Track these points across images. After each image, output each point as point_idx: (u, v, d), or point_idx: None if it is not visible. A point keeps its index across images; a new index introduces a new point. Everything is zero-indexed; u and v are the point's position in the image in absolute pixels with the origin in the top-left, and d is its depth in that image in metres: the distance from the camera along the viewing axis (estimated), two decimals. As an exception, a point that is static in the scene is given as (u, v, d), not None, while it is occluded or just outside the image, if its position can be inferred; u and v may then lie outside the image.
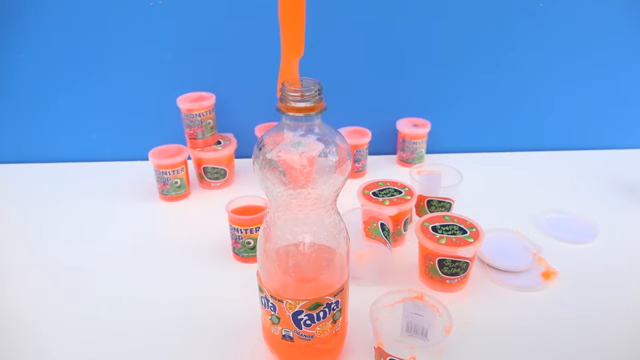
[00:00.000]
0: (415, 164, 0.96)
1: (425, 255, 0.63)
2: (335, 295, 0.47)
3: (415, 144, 0.96)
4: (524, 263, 0.68)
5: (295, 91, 0.41)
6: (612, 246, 0.73)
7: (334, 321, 0.48)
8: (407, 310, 0.53)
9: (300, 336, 0.48)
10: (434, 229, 0.63)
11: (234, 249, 0.70)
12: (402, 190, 0.72)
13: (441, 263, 0.61)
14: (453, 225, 0.64)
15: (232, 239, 0.69)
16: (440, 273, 0.62)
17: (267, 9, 0.88)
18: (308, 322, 0.47)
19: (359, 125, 0.96)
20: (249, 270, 0.68)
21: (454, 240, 0.61)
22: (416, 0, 0.90)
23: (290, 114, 0.41)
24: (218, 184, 0.90)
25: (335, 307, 0.47)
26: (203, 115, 0.86)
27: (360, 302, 0.55)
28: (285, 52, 0.43)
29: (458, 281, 0.63)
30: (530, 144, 1.04)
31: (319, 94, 0.41)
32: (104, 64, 0.92)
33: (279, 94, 0.42)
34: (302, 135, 0.42)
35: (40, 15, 0.88)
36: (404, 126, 0.96)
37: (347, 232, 0.48)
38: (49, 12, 0.87)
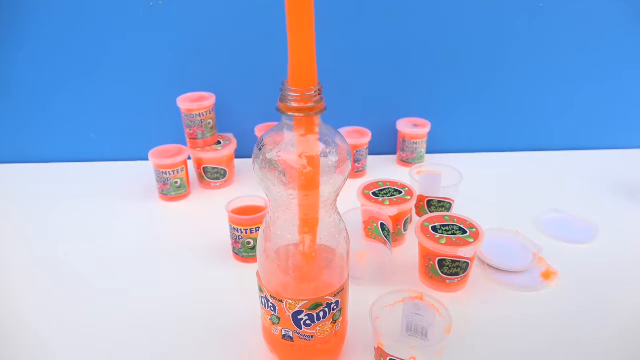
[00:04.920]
0: (415, 164, 0.96)
1: (425, 255, 0.63)
2: (335, 295, 0.47)
3: (415, 144, 0.96)
4: (524, 263, 0.68)
5: (295, 91, 0.41)
6: (612, 246, 0.73)
7: (334, 321, 0.48)
8: (407, 310, 0.53)
9: (300, 336, 0.48)
10: (434, 229, 0.63)
11: (234, 249, 0.70)
12: (402, 190, 0.72)
13: (441, 263, 0.61)
14: (453, 225, 0.64)
15: (232, 239, 0.69)
16: (440, 273, 0.62)
17: (267, 9, 0.88)
18: (308, 322, 0.47)
19: (359, 125, 0.96)
20: (249, 270, 0.68)
21: (454, 240, 0.61)
22: (416, 0, 0.90)
23: (290, 114, 0.41)
24: (218, 184, 0.90)
25: (335, 307, 0.47)
26: (203, 115, 0.86)
27: (360, 302, 0.55)
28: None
29: (458, 281, 0.63)
30: (530, 144, 1.04)
31: (319, 94, 0.41)
32: (103, 64, 0.92)
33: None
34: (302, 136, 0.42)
35: (40, 15, 0.88)
36: (404, 126, 0.96)
37: (347, 232, 0.48)
38: (48, 12, 0.87)
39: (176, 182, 0.85)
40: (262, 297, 0.48)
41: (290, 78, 0.40)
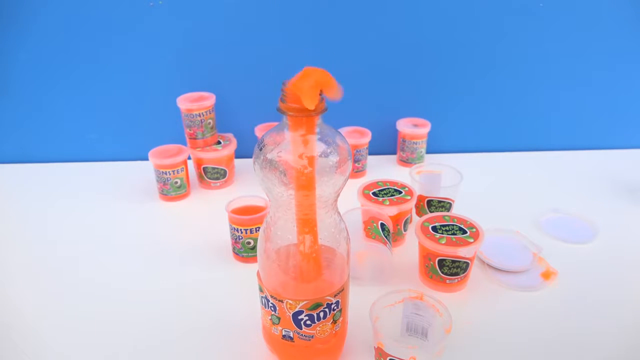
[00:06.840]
0: (415, 164, 0.96)
1: (425, 255, 0.63)
2: (335, 296, 0.47)
3: (415, 144, 0.96)
4: (524, 263, 0.68)
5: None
6: (612, 246, 0.73)
7: (334, 321, 0.48)
8: (407, 310, 0.53)
9: (301, 336, 0.48)
10: (434, 229, 0.63)
11: (234, 249, 0.70)
12: (402, 190, 0.72)
13: (441, 263, 0.61)
14: (453, 225, 0.64)
15: (232, 239, 0.69)
16: (440, 273, 0.62)
17: (267, 9, 0.89)
18: (308, 322, 0.47)
19: (359, 125, 0.96)
20: (249, 270, 0.68)
21: (454, 240, 0.61)
22: (416, 0, 0.90)
23: (291, 114, 0.41)
24: (218, 184, 0.90)
25: (335, 307, 0.47)
26: (203, 115, 0.86)
27: (360, 302, 0.55)
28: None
29: (458, 281, 0.63)
30: (530, 144, 1.04)
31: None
32: (104, 64, 0.92)
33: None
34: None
35: (40, 15, 0.88)
36: (404, 126, 0.96)
37: (347, 232, 0.48)
38: (48, 12, 0.87)
39: (176, 182, 0.85)
40: (262, 297, 0.48)
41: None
